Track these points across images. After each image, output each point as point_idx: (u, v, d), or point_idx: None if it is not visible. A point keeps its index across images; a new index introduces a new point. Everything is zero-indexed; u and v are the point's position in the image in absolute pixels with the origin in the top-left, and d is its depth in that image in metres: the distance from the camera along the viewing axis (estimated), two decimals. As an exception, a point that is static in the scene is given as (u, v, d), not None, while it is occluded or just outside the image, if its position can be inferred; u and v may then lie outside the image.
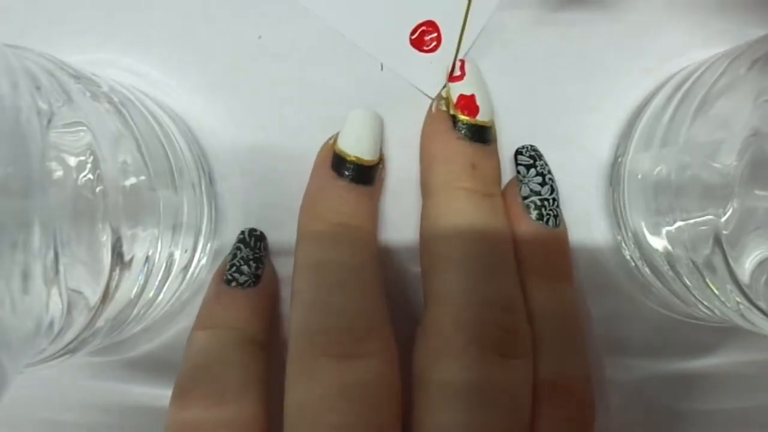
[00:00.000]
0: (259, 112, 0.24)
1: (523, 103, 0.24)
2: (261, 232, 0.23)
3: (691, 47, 0.23)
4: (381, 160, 0.22)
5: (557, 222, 0.22)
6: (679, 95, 0.20)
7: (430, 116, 0.22)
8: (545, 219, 0.21)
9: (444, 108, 0.22)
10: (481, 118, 0.21)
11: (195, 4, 0.24)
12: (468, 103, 0.21)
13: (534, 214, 0.21)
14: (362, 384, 0.19)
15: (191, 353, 0.21)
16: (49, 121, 0.15)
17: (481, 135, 0.21)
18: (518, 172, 0.22)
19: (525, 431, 0.19)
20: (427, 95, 0.23)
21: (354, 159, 0.21)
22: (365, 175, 0.21)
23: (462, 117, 0.21)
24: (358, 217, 0.21)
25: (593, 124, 0.24)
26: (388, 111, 0.23)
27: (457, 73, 0.22)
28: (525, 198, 0.22)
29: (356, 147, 0.21)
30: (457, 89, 0.22)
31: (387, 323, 0.20)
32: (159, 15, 0.24)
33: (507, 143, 0.23)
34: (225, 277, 0.22)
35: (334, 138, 0.22)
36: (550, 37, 0.23)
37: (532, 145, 0.23)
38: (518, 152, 0.23)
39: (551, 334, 0.21)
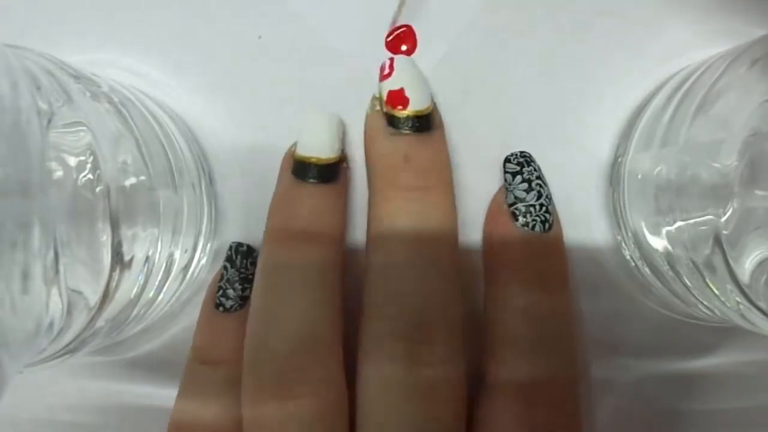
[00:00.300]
0: (259, 112, 0.24)
1: (522, 103, 0.24)
2: (248, 247, 0.23)
3: (691, 47, 0.23)
4: (343, 158, 0.22)
5: (545, 227, 0.21)
6: (679, 95, 0.20)
7: (366, 120, 0.22)
8: (530, 225, 0.21)
9: (378, 108, 0.22)
10: (412, 107, 0.21)
11: (195, 4, 0.24)
12: (397, 97, 0.21)
13: (519, 220, 0.21)
14: (298, 423, 0.19)
15: (186, 385, 0.22)
16: (49, 121, 0.15)
17: (418, 124, 0.21)
18: (505, 180, 0.22)
19: (455, 425, 0.20)
20: None
21: (313, 160, 0.21)
22: (326, 172, 0.21)
23: (393, 112, 0.21)
24: (319, 222, 0.21)
25: (593, 124, 0.24)
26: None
27: (387, 71, 0.22)
28: (510, 205, 0.22)
29: (312, 147, 0.21)
30: (386, 86, 0.21)
31: (332, 349, 0.20)
32: (159, 15, 0.24)
33: (507, 144, 0.23)
34: (214, 301, 0.22)
35: (294, 146, 0.22)
36: (550, 36, 0.23)
37: (522, 152, 0.22)
38: (506, 160, 0.22)
39: (523, 340, 0.21)
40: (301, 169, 0.21)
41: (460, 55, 0.23)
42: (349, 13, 0.23)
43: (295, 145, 0.22)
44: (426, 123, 0.21)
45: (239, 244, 0.23)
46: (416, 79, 0.22)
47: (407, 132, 0.21)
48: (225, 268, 0.22)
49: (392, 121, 0.21)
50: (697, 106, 0.19)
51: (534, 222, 0.21)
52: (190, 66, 0.24)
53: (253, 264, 0.22)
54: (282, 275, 0.20)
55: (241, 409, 0.20)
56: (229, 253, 0.23)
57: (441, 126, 0.22)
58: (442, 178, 0.21)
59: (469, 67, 0.23)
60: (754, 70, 0.18)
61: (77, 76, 0.18)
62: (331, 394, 0.20)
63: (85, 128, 0.17)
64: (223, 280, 0.22)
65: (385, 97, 0.21)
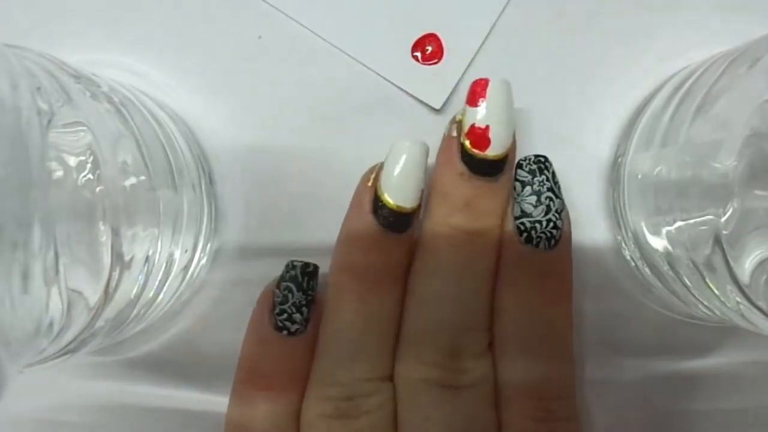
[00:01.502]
0: (259, 112, 0.24)
1: (523, 103, 0.23)
2: (314, 266, 0.21)
3: (691, 47, 0.23)
4: (420, 204, 0.21)
5: (550, 244, 0.20)
6: (679, 95, 0.20)
7: (443, 140, 0.21)
8: (534, 242, 0.20)
9: (455, 134, 0.21)
10: (491, 152, 0.20)
11: (195, 4, 0.24)
12: (479, 136, 0.20)
13: (523, 237, 0.20)
14: None
15: (244, 414, 0.21)
16: (49, 121, 0.15)
17: (488, 169, 0.20)
18: (514, 188, 0.21)
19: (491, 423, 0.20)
20: (431, 107, 0.23)
21: (395, 208, 0.20)
22: (403, 223, 0.20)
23: (469, 149, 0.20)
24: (392, 267, 0.21)
25: (593, 124, 0.24)
26: (388, 109, 0.23)
27: (478, 97, 0.20)
28: (516, 218, 0.20)
29: (400, 193, 0.20)
30: (472, 117, 0.20)
31: (388, 379, 0.21)
32: (159, 15, 0.24)
33: (507, 143, 0.23)
34: (274, 323, 0.21)
35: (377, 172, 0.21)
36: (550, 37, 0.23)
37: (537, 156, 0.21)
38: (518, 165, 0.21)
39: (529, 350, 0.21)
40: (382, 212, 0.20)
41: (467, 64, 0.23)
42: (350, 31, 0.23)
43: (377, 171, 0.21)
44: (497, 169, 0.20)
45: (306, 265, 0.21)
46: (505, 119, 0.20)
47: (480, 174, 0.20)
48: (288, 290, 0.21)
49: (465, 156, 0.20)
50: (697, 106, 0.19)
51: (539, 239, 0.20)
52: (190, 66, 0.24)
53: (317, 284, 0.21)
54: (354, 314, 0.21)
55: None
56: (294, 272, 0.21)
57: (511, 168, 0.21)
58: (494, 222, 0.21)
59: (469, 68, 0.23)
60: (754, 70, 0.18)
61: (77, 76, 0.18)
62: (388, 409, 0.21)
63: (85, 128, 0.17)
64: (288, 304, 0.21)
65: (466, 129, 0.20)
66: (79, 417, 0.24)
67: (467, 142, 0.20)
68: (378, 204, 0.20)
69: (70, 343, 0.17)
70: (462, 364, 0.20)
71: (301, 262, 0.21)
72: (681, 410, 0.24)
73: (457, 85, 0.23)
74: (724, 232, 0.17)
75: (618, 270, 0.24)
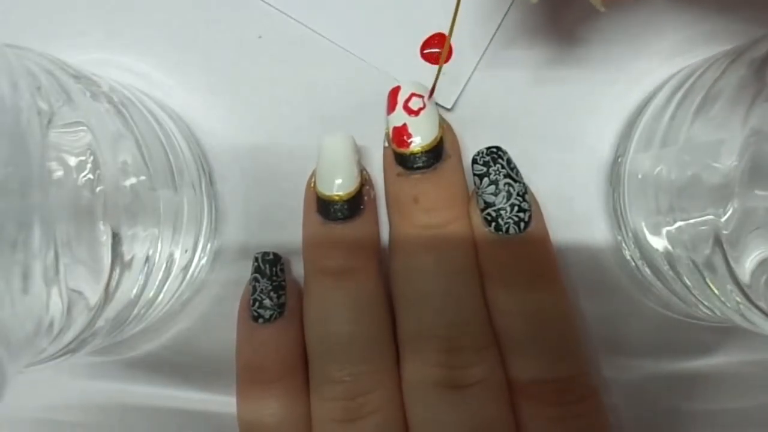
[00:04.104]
0: (259, 112, 0.24)
1: (523, 103, 0.24)
2: (274, 254, 0.22)
3: (691, 47, 0.23)
4: (365, 181, 0.22)
5: (521, 228, 0.20)
6: (679, 95, 0.20)
7: (383, 156, 0.22)
8: (504, 229, 0.20)
9: (386, 144, 0.22)
10: (414, 145, 0.21)
11: (195, 4, 0.24)
12: (400, 134, 0.21)
13: (492, 226, 0.20)
14: None
15: (247, 410, 0.22)
16: (49, 121, 0.15)
17: (425, 159, 0.21)
18: (474, 183, 0.21)
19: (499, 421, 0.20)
20: (443, 106, 0.23)
21: (336, 198, 0.21)
22: (351, 208, 0.21)
23: (398, 150, 0.21)
24: (357, 254, 0.21)
25: (593, 124, 0.24)
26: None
27: (390, 104, 0.22)
28: (482, 211, 0.21)
29: (334, 184, 0.21)
30: (391, 121, 0.21)
31: (391, 367, 0.21)
32: (159, 15, 0.24)
33: (508, 144, 0.23)
34: (251, 314, 0.21)
35: (314, 176, 0.22)
36: (551, 36, 0.23)
37: (489, 148, 0.21)
38: (473, 161, 0.21)
39: (529, 342, 0.21)
40: (326, 208, 0.21)
41: (479, 59, 0.23)
42: (357, 31, 0.23)
43: (314, 175, 0.22)
44: (434, 155, 0.21)
45: (265, 254, 0.22)
46: (424, 113, 0.21)
47: (416, 168, 0.21)
48: (255, 279, 0.22)
49: (399, 158, 0.21)
50: (697, 106, 0.19)
51: (507, 225, 0.20)
52: (190, 66, 0.24)
53: (283, 270, 0.22)
54: (333, 308, 0.21)
55: (301, 409, 0.21)
56: (257, 264, 0.22)
57: (454, 150, 0.22)
58: (455, 212, 0.21)
59: (478, 66, 0.23)
60: (755, 70, 0.18)
61: (77, 76, 0.18)
62: (393, 407, 0.21)
63: (85, 128, 0.17)
64: (257, 293, 0.22)
65: (390, 134, 0.21)
66: (79, 417, 0.24)
67: (393, 144, 0.21)
68: (322, 201, 0.21)
69: (71, 343, 0.17)
70: (464, 360, 0.20)
71: (261, 252, 0.22)
72: (681, 410, 0.24)
73: (467, 83, 0.23)
74: (724, 232, 0.17)
75: (618, 270, 0.24)
